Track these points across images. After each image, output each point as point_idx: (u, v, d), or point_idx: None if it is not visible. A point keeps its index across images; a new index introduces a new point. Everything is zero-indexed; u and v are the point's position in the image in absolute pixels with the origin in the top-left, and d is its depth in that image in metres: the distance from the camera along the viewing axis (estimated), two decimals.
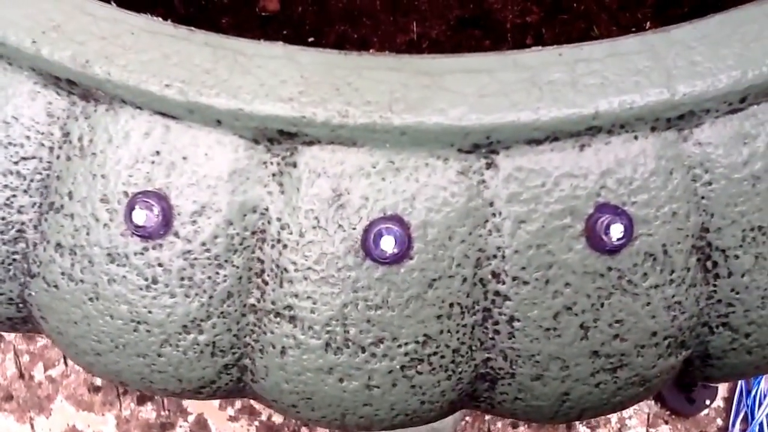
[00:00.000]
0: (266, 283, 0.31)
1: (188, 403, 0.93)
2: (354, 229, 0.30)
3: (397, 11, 0.43)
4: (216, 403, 0.93)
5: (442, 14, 0.43)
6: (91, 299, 0.32)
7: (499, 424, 0.89)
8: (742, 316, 0.33)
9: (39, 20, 0.30)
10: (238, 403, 0.93)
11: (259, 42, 0.31)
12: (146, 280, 0.31)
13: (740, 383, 0.86)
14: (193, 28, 0.31)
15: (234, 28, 0.43)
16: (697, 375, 0.36)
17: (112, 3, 0.32)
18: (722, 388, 0.88)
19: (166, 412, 0.93)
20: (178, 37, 0.30)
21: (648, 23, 0.42)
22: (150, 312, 0.31)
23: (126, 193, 0.30)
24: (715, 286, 0.32)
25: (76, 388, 0.94)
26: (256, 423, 0.92)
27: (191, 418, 0.92)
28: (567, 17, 0.43)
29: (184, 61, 0.30)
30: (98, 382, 0.94)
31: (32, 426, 0.93)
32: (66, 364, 0.95)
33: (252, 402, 0.92)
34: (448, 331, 0.31)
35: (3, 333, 0.96)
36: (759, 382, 0.86)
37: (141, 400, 0.93)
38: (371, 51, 0.42)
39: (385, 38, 0.43)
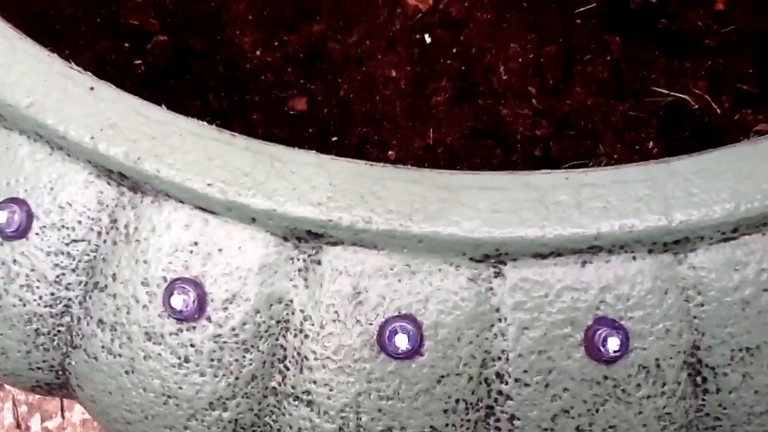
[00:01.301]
0: (288, 369, 0.34)
1: None
2: (370, 324, 0.33)
3: (415, 118, 0.47)
4: None
5: (458, 123, 0.47)
6: (126, 372, 0.35)
7: None
8: (729, 430, 0.35)
9: (98, 119, 0.34)
10: None
11: (295, 149, 0.34)
12: (179, 358, 0.34)
13: None
14: (235, 133, 0.34)
15: (264, 124, 0.47)
16: None
17: (163, 106, 0.35)
18: None
19: None
20: (221, 140, 0.34)
21: (651, 143, 0.45)
22: (180, 388, 0.34)
23: (165, 278, 0.33)
24: (704, 400, 0.35)
25: None
26: None
27: None
28: (574, 133, 0.46)
29: (225, 163, 0.33)
30: None
31: None
32: (63, 417, 0.98)
33: None
34: (453, 425, 0.34)
35: (2, 383, 0.99)
36: None
37: None
38: (390, 153, 0.45)
39: (404, 142, 0.46)
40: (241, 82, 0.50)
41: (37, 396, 0.97)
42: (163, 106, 0.35)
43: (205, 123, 0.35)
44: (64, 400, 0.97)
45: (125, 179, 0.34)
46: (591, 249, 0.33)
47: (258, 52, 0.51)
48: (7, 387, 0.98)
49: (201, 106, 0.49)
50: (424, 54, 0.49)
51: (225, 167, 0.33)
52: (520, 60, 0.49)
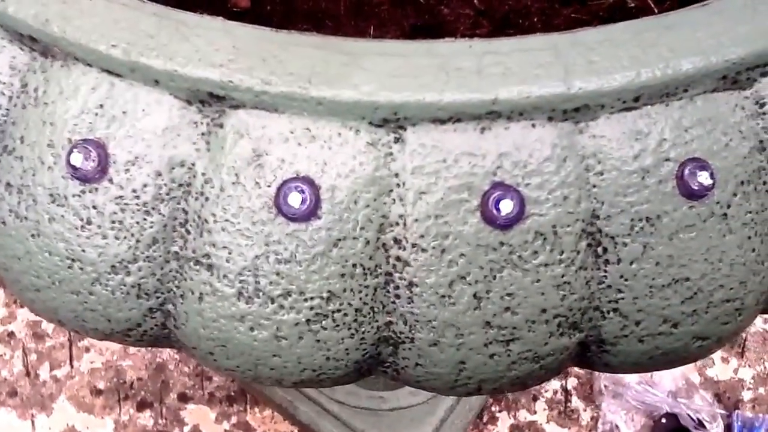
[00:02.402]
0: (189, 233, 0.34)
1: (185, 414, 0.96)
2: (269, 186, 0.33)
3: (358, 15, 0.47)
4: (212, 416, 0.95)
5: (399, 21, 0.47)
6: (33, 236, 0.35)
7: None
8: (631, 302, 0.35)
9: None
10: (234, 418, 0.95)
11: (202, 15, 0.34)
12: (82, 220, 0.34)
13: None
14: (145, 0, 0.34)
15: None
16: (595, 361, 0.38)
17: None
18: None
19: (164, 421, 0.96)
20: (129, 6, 0.34)
21: None
22: (84, 251, 0.35)
23: (70, 140, 0.34)
24: (605, 271, 0.35)
25: (79, 390, 0.98)
26: None
27: (187, 429, 0.95)
28: (513, 32, 0.46)
29: (131, 26, 0.33)
30: (101, 385, 0.97)
31: (33, 423, 0.96)
32: (71, 365, 0.99)
33: (248, 419, 0.95)
34: (351, 290, 0.34)
35: (14, 331, 1.01)
36: None
37: (140, 407, 0.96)
38: None
39: None
40: None
41: (47, 345, 0.98)
42: None
43: None
44: (73, 349, 0.98)
45: (36, 43, 0.34)
46: (490, 115, 0.33)
47: None
48: (18, 336, 0.99)
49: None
50: None
51: (131, 30, 0.33)
52: None
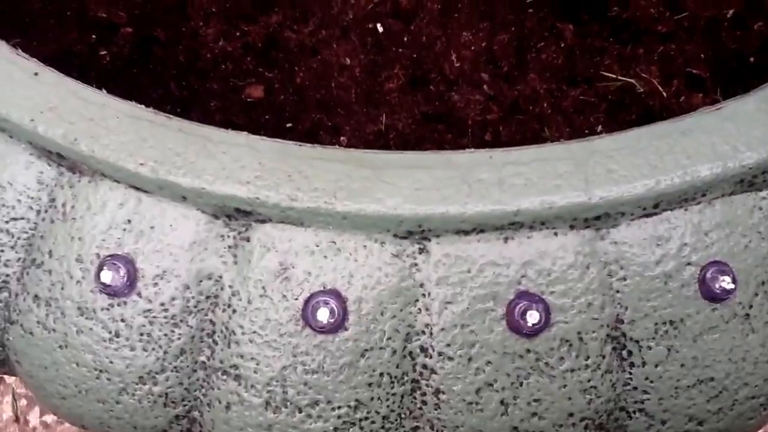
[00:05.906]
0: (216, 343, 0.34)
1: None
2: (296, 299, 0.33)
3: (369, 104, 0.48)
4: None
5: (410, 109, 0.47)
6: (60, 347, 0.35)
7: None
8: (657, 403, 0.35)
9: (38, 102, 0.35)
10: None
11: (227, 131, 0.35)
12: (110, 333, 0.35)
13: None
14: (171, 115, 0.35)
15: (221, 111, 0.48)
16: None
17: (103, 90, 0.36)
18: None
19: None
20: (156, 122, 0.35)
21: (600, 127, 0.46)
22: (111, 362, 0.35)
23: (98, 255, 0.34)
24: (631, 373, 0.35)
25: None
26: None
27: None
28: (523, 118, 0.47)
29: (158, 143, 0.34)
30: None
31: None
32: None
33: None
34: (379, 399, 0.34)
35: (3, 376, 1.00)
36: None
37: None
38: (342, 139, 0.46)
39: (357, 127, 0.47)
40: (201, 71, 0.50)
41: None
42: (103, 90, 0.36)
43: (142, 106, 0.36)
44: None
45: (64, 160, 0.35)
46: (512, 225, 0.33)
47: (220, 42, 0.51)
48: (8, 381, 0.98)
49: (162, 95, 0.50)
50: (377, 42, 0.50)
51: (158, 147, 0.34)
52: (472, 48, 0.50)
